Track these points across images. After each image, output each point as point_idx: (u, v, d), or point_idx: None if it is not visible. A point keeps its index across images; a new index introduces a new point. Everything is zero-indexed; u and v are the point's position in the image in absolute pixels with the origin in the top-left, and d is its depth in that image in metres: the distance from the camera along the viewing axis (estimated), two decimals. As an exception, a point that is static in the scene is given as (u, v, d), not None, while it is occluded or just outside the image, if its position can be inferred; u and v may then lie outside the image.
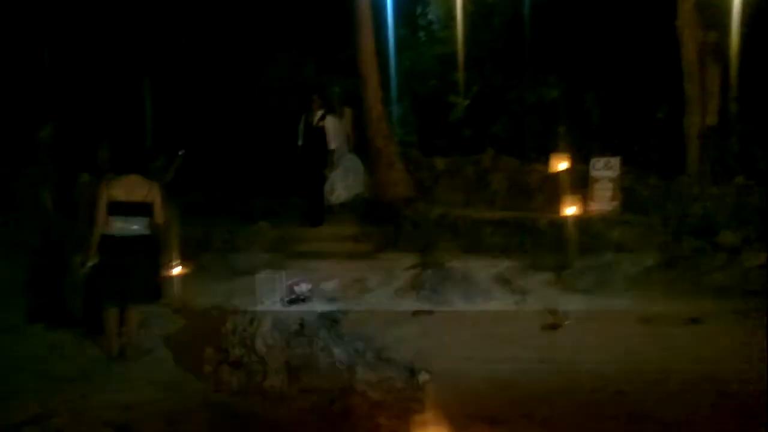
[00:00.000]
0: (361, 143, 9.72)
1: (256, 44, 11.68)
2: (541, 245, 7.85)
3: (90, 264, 5.35)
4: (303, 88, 10.70)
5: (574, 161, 8.72)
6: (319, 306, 5.24)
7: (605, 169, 8.20)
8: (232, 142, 10.67)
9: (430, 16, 11.20)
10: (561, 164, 8.73)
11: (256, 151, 10.37)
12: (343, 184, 9.45)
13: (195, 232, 8.34)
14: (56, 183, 6.28)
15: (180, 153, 8.08)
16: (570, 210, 8.11)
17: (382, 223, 8.82)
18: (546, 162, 8.93)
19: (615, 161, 8.20)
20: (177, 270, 7.92)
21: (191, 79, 11.32)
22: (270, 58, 11.61)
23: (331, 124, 9.28)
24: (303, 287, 6.38)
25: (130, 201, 5.30)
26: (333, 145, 9.27)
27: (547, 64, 9.45)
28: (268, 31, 11.73)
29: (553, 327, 5.95)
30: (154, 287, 5.52)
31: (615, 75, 9.20)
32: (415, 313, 6.46)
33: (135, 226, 5.32)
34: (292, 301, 6.43)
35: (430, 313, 6.51)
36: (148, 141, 10.62)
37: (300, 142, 9.30)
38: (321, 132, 9.20)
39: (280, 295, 6.51)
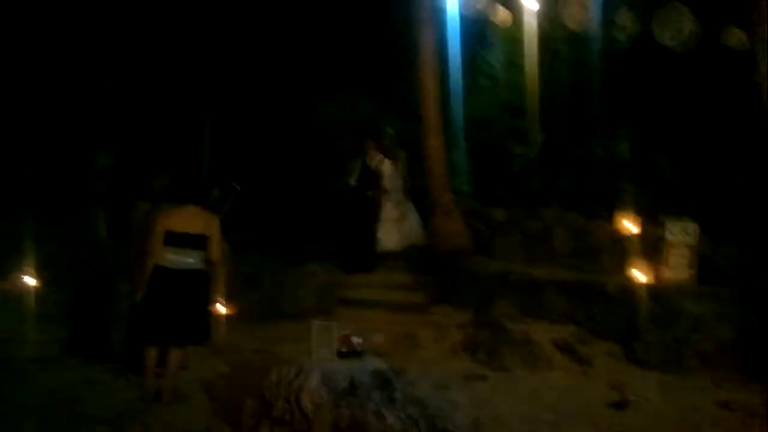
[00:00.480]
0: (414, 189, 9.41)
1: (312, 81, 11.65)
2: (607, 312, 7.30)
3: (139, 296, 5.12)
4: (357, 127, 10.58)
5: (645, 223, 8.19)
6: (370, 363, 4.83)
7: (682, 234, 7.64)
8: (284, 181, 10.52)
9: (494, 63, 10.90)
10: (631, 225, 8.21)
11: (308, 191, 10.20)
12: (398, 231, 9.11)
13: (242, 270, 8.12)
14: (112, 209, 6.14)
15: (235, 186, 8.00)
16: (641, 276, 7.56)
17: (436, 275, 8.42)
18: (614, 221, 8.41)
19: (693, 226, 7.63)
20: (222, 309, 7.76)
21: (248, 116, 11.32)
22: (325, 96, 11.54)
23: (388, 168, 9.10)
24: (357, 339, 5.90)
25: (186, 232, 5.07)
26: (388, 186, 9.05)
27: (618, 119, 9.01)
28: (324, 68, 11.67)
29: (620, 405, 5.41)
30: (203, 328, 5.24)
31: (690, 133, 8.69)
32: (470, 378, 6.00)
33: (190, 260, 5.08)
34: (344, 355, 5.92)
35: (484, 378, 6.05)
36: (204, 173, 10.59)
37: (352, 182, 9.06)
38: (377, 175, 8.99)
39: (331, 346, 6.03)
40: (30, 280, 6.58)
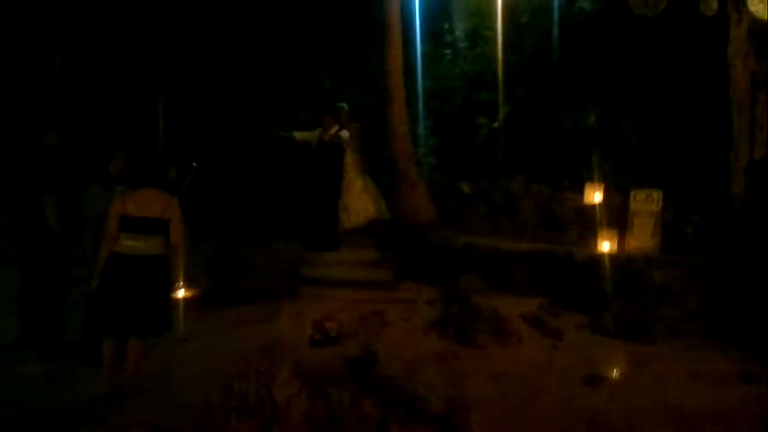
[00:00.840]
0: (378, 162, 9.20)
1: (273, 54, 11.32)
2: (574, 283, 7.29)
3: (94, 284, 4.82)
4: (318, 102, 10.29)
5: (610, 192, 8.17)
6: (342, 347, 4.64)
7: (646, 203, 7.65)
8: (243, 157, 10.17)
9: (457, 33, 10.67)
10: (596, 195, 8.18)
11: (268, 168, 9.88)
12: (358, 206, 8.91)
13: (202, 251, 7.84)
14: (62, 192, 5.76)
15: (193, 165, 7.69)
16: (606, 245, 7.56)
17: (402, 251, 8.26)
18: (580, 191, 8.38)
19: (657, 194, 7.65)
20: (183, 294, 7.47)
21: (203, 90, 10.89)
22: (286, 69, 11.20)
23: (347, 139, 8.80)
24: (331, 324, 5.66)
25: (144, 216, 4.77)
26: (349, 159, 8.84)
27: (582, 89, 8.91)
28: (286, 40, 11.38)
29: (595, 380, 5.37)
30: (164, 319, 4.95)
31: (655, 102, 8.66)
32: (441, 356, 5.90)
33: (148, 246, 4.78)
34: (318, 342, 5.71)
35: (455, 356, 5.95)
36: (159, 151, 10.15)
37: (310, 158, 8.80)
38: (336, 148, 8.72)
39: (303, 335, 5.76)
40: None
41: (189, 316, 6.47)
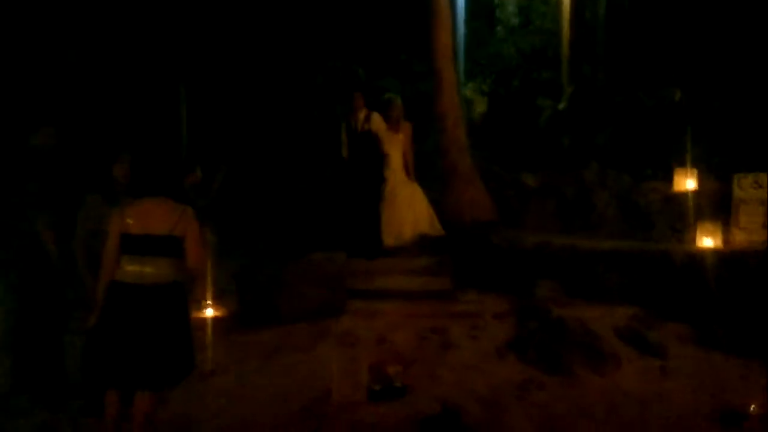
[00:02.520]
0: (424, 156, 8.05)
1: (300, 45, 10.38)
2: (672, 287, 6.06)
3: (92, 321, 3.83)
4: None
5: (704, 179, 6.93)
6: (411, 400, 3.48)
7: (754, 189, 6.37)
8: (277, 161, 9.17)
9: (510, 8, 9.50)
10: (689, 181, 6.94)
11: (303, 170, 8.88)
12: (405, 221, 7.48)
13: (232, 264, 6.86)
14: (57, 208, 4.81)
15: (222, 166, 6.80)
16: (708, 241, 6.31)
17: (460, 254, 7.14)
18: (666, 179, 7.14)
19: (765, 178, 6.37)
20: (210, 313, 6.52)
21: (229, 85, 9.97)
22: (315, 62, 10.25)
23: (380, 125, 7.51)
24: (395, 368, 4.32)
25: (150, 234, 3.75)
26: (388, 150, 7.52)
27: (662, 62, 7.65)
28: (313, 31, 10.43)
29: (735, 418, 4.17)
30: (182, 363, 3.84)
31: (751, 75, 7.35)
32: (524, 387, 4.77)
33: (157, 271, 3.75)
34: (378, 395, 4.24)
35: (541, 386, 4.82)
36: (182, 154, 9.23)
37: (344, 153, 7.65)
38: (369, 137, 7.50)
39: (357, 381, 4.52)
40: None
41: (217, 342, 5.50)
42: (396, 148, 7.53)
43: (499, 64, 9.05)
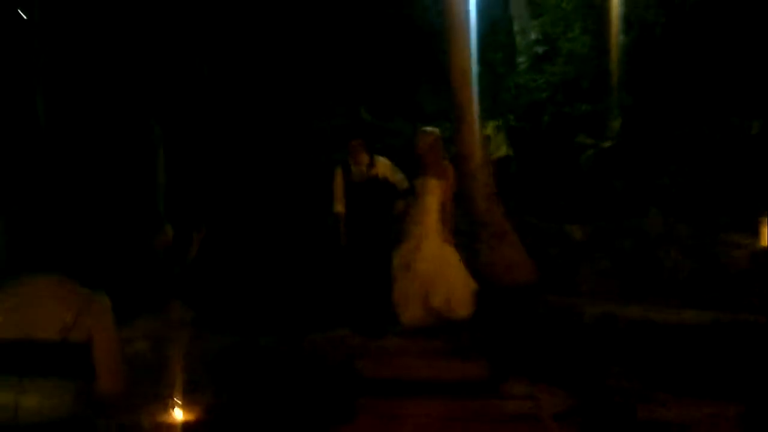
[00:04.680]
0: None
1: (298, 85, 9.28)
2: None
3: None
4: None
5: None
6: None
7: None
8: (269, 219, 7.75)
9: (533, 35, 8.25)
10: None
11: (299, 228, 7.48)
12: (435, 292, 5.82)
13: (208, 346, 5.39)
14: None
15: (202, 226, 5.77)
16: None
17: (498, 329, 5.64)
18: (750, 230, 5.75)
19: None
20: (176, 416, 4.96)
21: (213, 130, 8.69)
22: (318, 110, 9.08)
23: (388, 169, 6.11)
24: None
25: (34, 339, 2.22)
26: (402, 205, 6.14)
27: (740, 90, 6.32)
28: (313, 71, 9.39)
29: None
30: None
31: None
32: None
33: (42, 401, 2.19)
34: None
35: None
36: (157, 209, 7.80)
37: (339, 209, 6.16)
38: (375, 184, 6.09)
39: None
40: None
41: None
42: (431, 195, 5.98)
43: (525, 99, 7.72)
